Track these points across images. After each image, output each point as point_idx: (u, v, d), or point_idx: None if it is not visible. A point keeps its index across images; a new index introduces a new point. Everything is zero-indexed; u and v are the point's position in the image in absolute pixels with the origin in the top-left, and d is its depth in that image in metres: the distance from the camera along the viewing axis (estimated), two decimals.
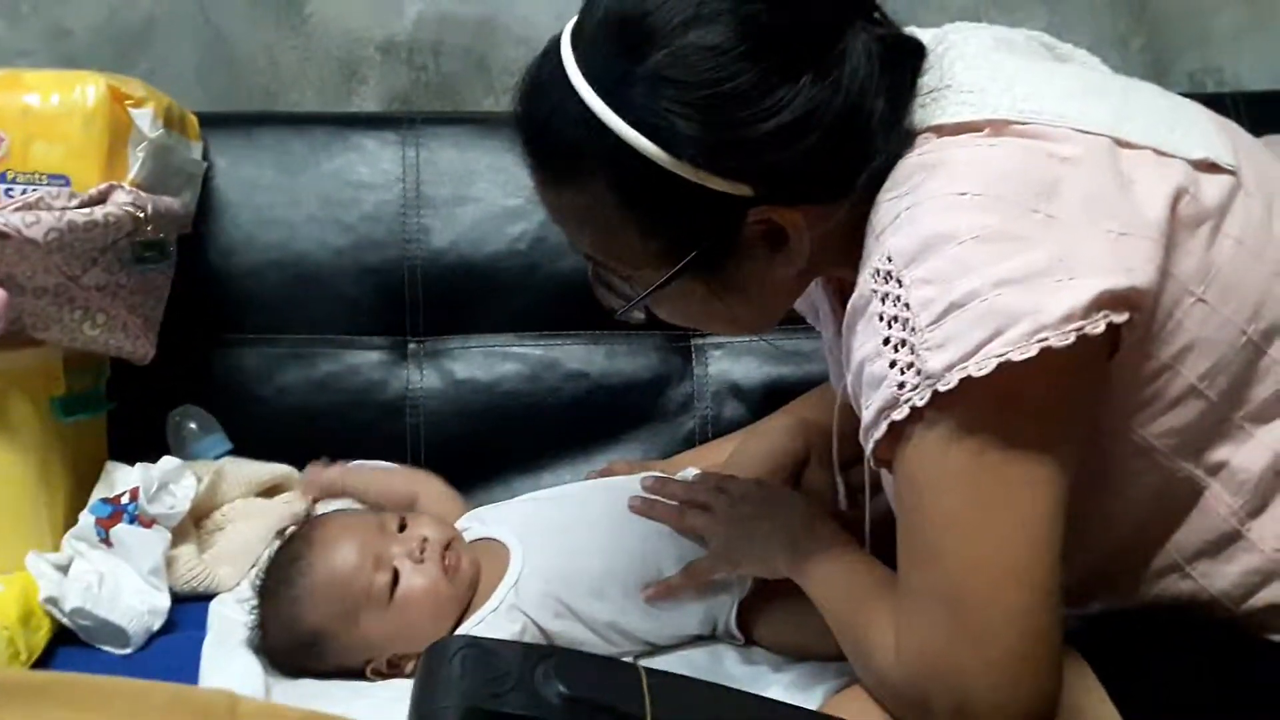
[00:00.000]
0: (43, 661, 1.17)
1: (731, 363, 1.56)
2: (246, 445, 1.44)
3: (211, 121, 1.52)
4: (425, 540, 1.18)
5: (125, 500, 1.27)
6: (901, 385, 0.81)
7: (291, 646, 1.17)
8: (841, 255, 0.89)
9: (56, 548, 1.27)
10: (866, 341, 0.84)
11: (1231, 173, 0.86)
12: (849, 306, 0.86)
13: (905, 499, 0.85)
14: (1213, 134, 0.89)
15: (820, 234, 0.88)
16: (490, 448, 1.51)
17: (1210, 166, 0.86)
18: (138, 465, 1.30)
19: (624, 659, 0.88)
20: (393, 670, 1.16)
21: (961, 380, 0.78)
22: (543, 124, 0.90)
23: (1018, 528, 0.80)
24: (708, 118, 0.82)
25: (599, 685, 0.71)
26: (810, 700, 1.06)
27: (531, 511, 1.27)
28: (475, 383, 1.53)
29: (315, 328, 1.52)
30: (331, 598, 1.15)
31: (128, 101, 1.31)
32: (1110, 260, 0.79)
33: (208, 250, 1.50)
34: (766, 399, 1.51)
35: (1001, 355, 0.77)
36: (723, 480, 1.17)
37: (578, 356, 1.54)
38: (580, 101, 0.85)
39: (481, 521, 1.26)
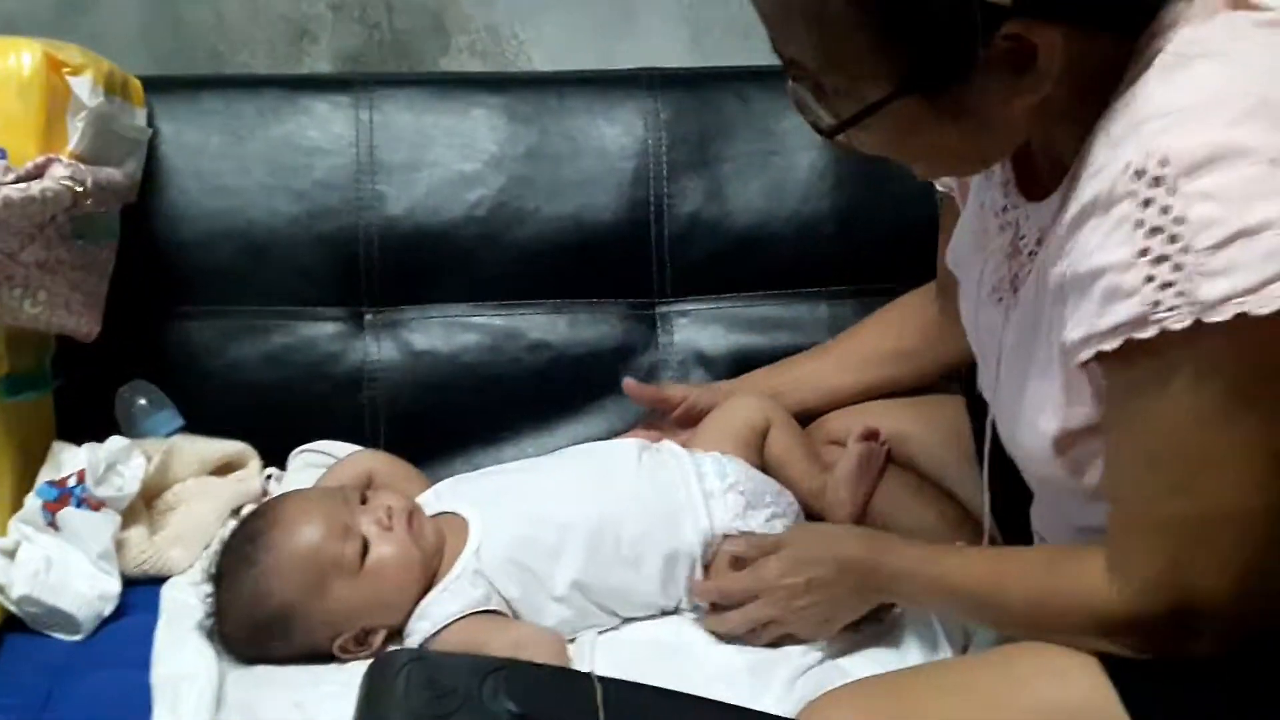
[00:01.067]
0: None
1: (697, 331, 1.53)
2: (199, 422, 1.41)
3: (156, 86, 1.47)
4: (390, 508, 1.16)
5: (72, 483, 1.23)
6: (1156, 304, 0.74)
7: (253, 629, 1.13)
8: (1079, 106, 0.81)
9: (3, 532, 1.24)
10: (1112, 247, 0.76)
11: None
12: (1079, 200, 0.79)
13: (1141, 430, 0.80)
14: None
15: (1070, 69, 0.79)
16: (451, 421, 1.48)
17: None
18: (85, 446, 1.27)
19: (578, 670, 0.85)
20: (360, 647, 1.13)
21: (1237, 315, 0.72)
22: None
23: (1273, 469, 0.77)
24: None
25: (551, 699, 0.68)
26: (772, 680, 1.06)
27: (487, 484, 1.26)
28: (434, 354, 1.50)
29: (268, 299, 1.48)
30: (299, 570, 1.12)
31: (65, 69, 1.26)
32: None
33: (154, 220, 1.45)
34: (732, 367, 1.49)
35: None
36: (760, 573, 1.12)
37: (540, 326, 1.51)
38: None
39: (437, 496, 1.24)
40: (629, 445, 1.27)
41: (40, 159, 1.20)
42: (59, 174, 1.20)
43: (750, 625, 1.13)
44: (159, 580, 1.25)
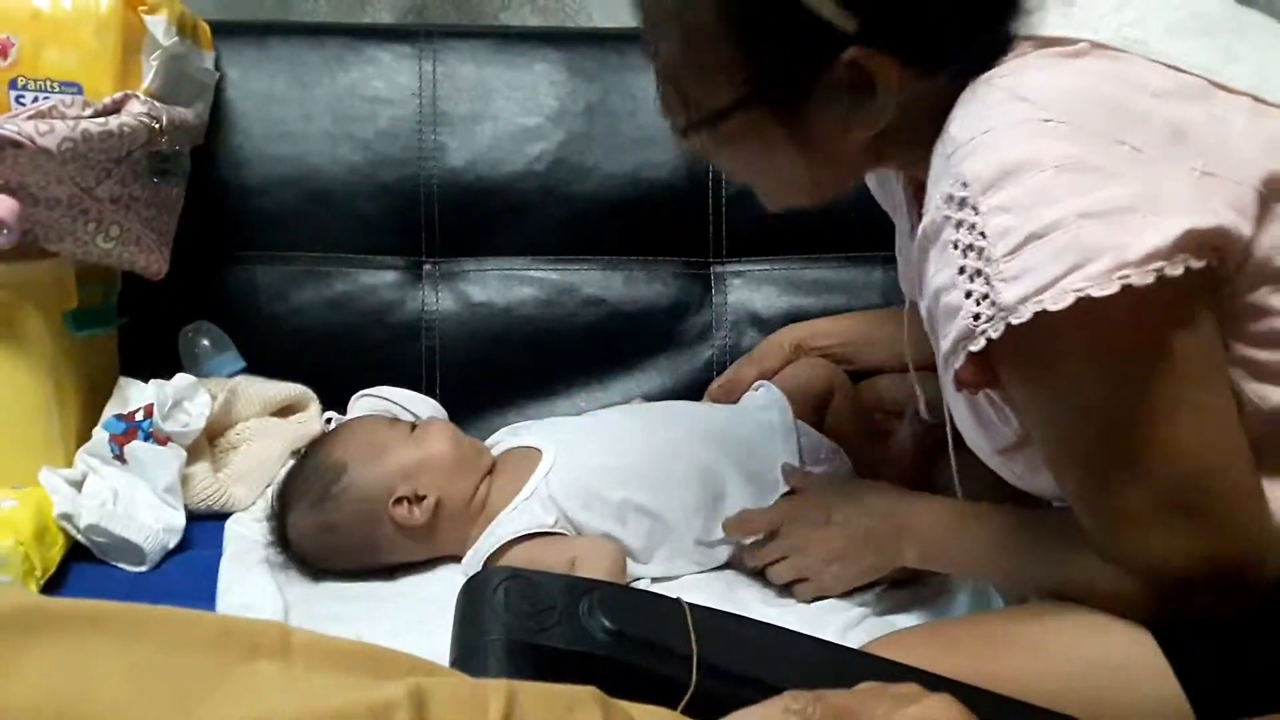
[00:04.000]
0: (56, 578, 1.16)
1: (751, 291, 1.54)
2: (260, 364, 1.42)
3: (224, 30, 1.47)
4: (440, 420, 1.30)
5: (140, 417, 1.25)
6: (976, 317, 0.79)
7: (314, 500, 1.18)
8: (919, 142, 0.85)
9: (69, 463, 1.26)
10: (941, 270, 0.82)
11: None
12: (921, 231, 0.84)
13: (1049, 432, 0.84)
14: None
15: (906, 105, 0.84)
16: (505, 372, 1.50)
17: None
18: (151, 382, 1.29)
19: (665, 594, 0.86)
20: (414, 510, 1.18)
21: (1036, 314, 0.76)
22: None
23: (1197, 417, 0.80)
24: None
25: (644, 620, 0.69)
26: (823, 631, 1.06)
27: (562, 424, 1.32)
28: (491, 306, 1.51)
29: (329, 246, 1.49)
30: (354, 434, 1.23)
31: (141, 8, 1.27)
32: (1196, 199, 0.77)
33: (219, 165, 1.47)
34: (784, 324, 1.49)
35: (1080, 290, 0.75)
36: (787, 507, 1.15)
37: (595, 282, 1.52)
38: None
39: (514, 434, 1.29)
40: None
41: (118, 94, 1.21)
42: (136, 110, 1.21)
43: (770, 557, 1.14)
44: (222, 516, 1.27)
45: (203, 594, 1.14)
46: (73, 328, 1.28)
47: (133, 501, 1.22)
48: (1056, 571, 0.91)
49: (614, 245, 1.52)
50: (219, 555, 1.20)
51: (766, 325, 1.51)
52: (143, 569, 1.19)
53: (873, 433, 1.30)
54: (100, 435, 1.25)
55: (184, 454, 1.26)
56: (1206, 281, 0.78)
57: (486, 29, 1.63)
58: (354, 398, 1.39)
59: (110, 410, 1.28)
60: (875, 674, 0.62)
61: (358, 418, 1.31)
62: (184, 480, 1.26)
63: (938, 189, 0.81)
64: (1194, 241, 0.76)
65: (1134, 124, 0.78)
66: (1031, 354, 0.80)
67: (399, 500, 1.18)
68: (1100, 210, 0.75)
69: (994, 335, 0.78)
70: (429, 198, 1.50)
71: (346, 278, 1.49)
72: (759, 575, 1.18)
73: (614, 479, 1.18)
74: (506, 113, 1.52)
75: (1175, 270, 0.75)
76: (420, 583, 1.21)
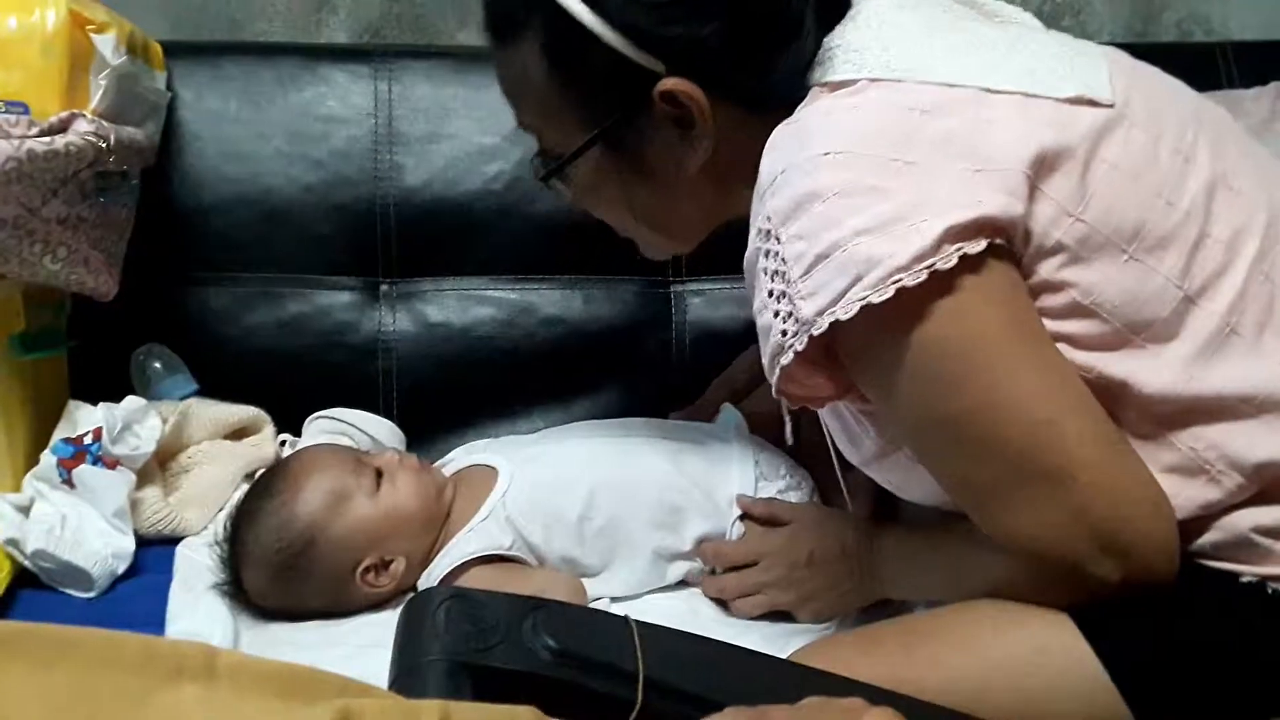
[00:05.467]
0: (3, 604, 1.13)
1: (711, 310, 1.53)
2: (213, 386, 1.40)
3: (175, 51, 1.46)
4: (399, 452, 1.24)
5: (88, 440, 1.23)
6: (784, 333, 0.88)
7: (276, 563, 1.14)
8: (749, 184, 0.92)
9: (17, 488, 1.23)
10: (756, 296, 0.91)
11: (1109, 106, 0.90)
12: (745, 262, 0.93)
13: (909, 425, 0.90)
14: (1102, 75, 0.92)
15: (729, 143, 0.95)
16: (463, 393, 1.48)
17: (1086, 102, 0.90)
18: (101, 405, 1.26)
19: (612, 611, 0.85)
20: (383, 575, 1.15)
21: (831, 324, 0.84)
22: None
23: (1026, 381, 0.85)
24: None
25: (590, 639, 0.68)
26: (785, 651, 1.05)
27: (519, 441, 1.30)
28: (449, 326, 1.49)
29: (284, 266, 1.47)
30: (319, 492, 1.15)
31: (89, 27, 1.25)
32: (961, 196, 0.84)
33: (172, 184, 1.45)
34: (746, 347, 1.48)
35: (863, 299, 0.83)
36: (764, 542, 1.16)
37: (554, 301, 1.51)
38: None
39: (468, 452, 1.27)
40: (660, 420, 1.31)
41: (64, 114, 1.20)
42: (83, 129, 1.19)
43: (743, 590, 1.14)
44: (172, 541, 1.25)
45: (152, 620, 1.12)
46: (20, 350, 1.26)
47: (81, 526, 1.19)
48: (982, 576, 0.93)
49: (573, 265, 1.52)
50: (169, 580, 1.18)
51: (726, 344, 1.50)
52: (91, 595, 1.17)
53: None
54: (48, 459, 1.23)
55: (133, 478, 1.24)
56: (1001, 260, 0.85)
57: (443, 49, 1.62)
58: (309, 420, 1.38)
59: (59, 434, 1.26)
60: (821, 689, 0.61)
61: (315, 450, 1.24)
62: (134, 505, 1.24)
63: (754, 225, 0.91)
64: (958, 234, 0.82)
65: (905, 141, 0.86)
66: (855, 357, 0.88)
67: (366, 569, 1.15)
68: (873, 225, 0.83)
69: (799, 348, 0.86)
70: (385, 218, 1.49)
71: (301, 299, 1.47)
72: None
73: (571, 497, 1.17)
74: (464, 132, 1.51)
75: (947, 263, 0.82)
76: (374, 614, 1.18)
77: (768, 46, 0.94)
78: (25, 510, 1.20)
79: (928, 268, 0.82)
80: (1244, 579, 0.87)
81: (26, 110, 1.21)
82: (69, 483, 1.22)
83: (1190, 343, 0.87)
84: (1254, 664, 0.85)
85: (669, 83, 0.93)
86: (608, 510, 1.16)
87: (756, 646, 1.06)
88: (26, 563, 1.16)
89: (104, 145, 1.21)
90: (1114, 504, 0.84)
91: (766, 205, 0.88)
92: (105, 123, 1.23)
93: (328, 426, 1.37)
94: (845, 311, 0.83)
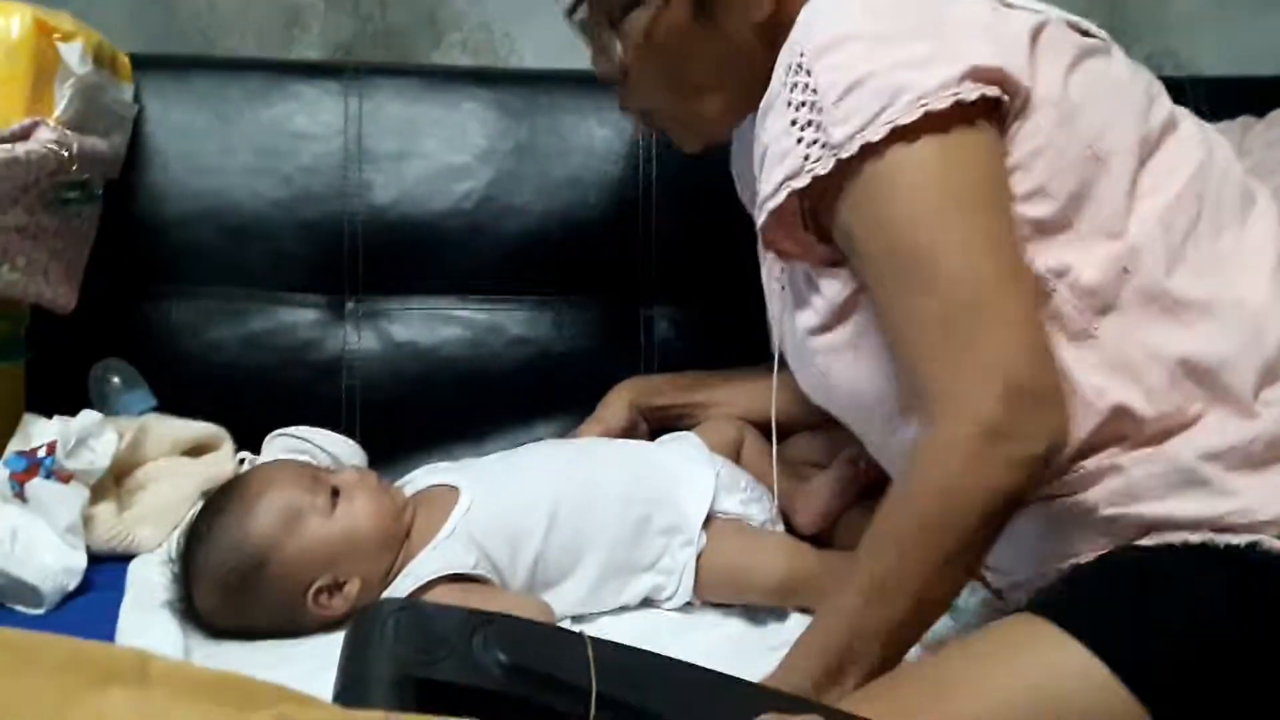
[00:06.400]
0: None
1: (679, 333, 1.52)
2: (172, 402, 1.38)
3: (144, 64, 1.45)
4: (358, 469, 1.22)
5: (42, 454, 1.21)
6: (806, 157, 0.93)
7: (227, 582, 1.11)
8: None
9: None
10: (775, 125, 0.96)
11: (1102, 40, 1.03)
12: (761, 105, 0.99)
13: (877, 253, 0.94)
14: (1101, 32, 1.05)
15: (786, 7, 1.00)
16: (429, 413, 1.47)
17: (1083, 31, 1.02)
18: (56, 418, 1.25)
19: (569, 628, 0.84)
20: (335, 597, 1.13)
21: (861, 146, 0.90)
22: None
23: (987, 234, 0.91)
24: None
25: (542, 654, 0.66)
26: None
27: (479, 463, 1.28)
28: (415, 345, 1.48)
29: (248, 282, 1.46)
30: (272, 509, 1.12)
31: (55, 35, 1.25)
32: (984, 48, 0.93)
33: (137, 197, 1.44)
34: (714, 368, 1.47)
35: (892, 121, 0.89)
36: None
37: (522, 322, 1.50)
38: None
39: (430, 472, 1.26)
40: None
41: (26, 121, 1.19)
42: (45, 137, 1.18)
43: None
44: (125, 558, 1.23)
45: (102, 638, 1.05)
46: None
47: (32, 541, 1.17)
48: (894, 535, 0.92)
49: (541, 285, 1.51)
50: (120, 598, 1.16)
51: (693, 368, 1.50)
52: (40, 611, 1.14)
53: (788, 467, 1.28)
54: (1, 472, 1.20)
55: (86, 493, 1.21)
56: (993, 126, 0.93)
57: (415, 67, 1.62)
58: (269, 437, 1.35)
59: (12, 447, 1.24)
60: (775, 706, 0.59)
61: (272, 467, 1.23)
62: (87, 520, 1.21)
63: (781, 64, 0.97)
64: (980, 75, 0.91)
65: (933, 8, 0.95)
66: (859, 187, 0.92)
67: (319, 590, 1.13)
68: (906, 60, 0.91)
69: (821, 171, 0.92)
70: (353, 234, 1.47)
71: (265, 314, 1.46)
72: (683, 610, 1.17)
73: (534, 513, 1.15)
74: (434, 151, 1.50)
75: (970, 95, 0.90)
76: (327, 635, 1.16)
77: None
78: None
79: (953, 95, 0.89)
80: (1215, 544, 0.89)
81: None
82: (21, 496, 1.19)
83: (1124, 242, 0.95)
84: (1266, 639, 0.86)
85: None
86: (571, 524, 1.15)
87: (718, 666, 1.06)
88: None
89: (66, 154, 1.20)
90: (1028, 363, 0.89)
91: (800, 43, 0.95)
92: (69, 132, 1.23)
93: (288, 444, 1.34)
94: (875, 134, 0.90)
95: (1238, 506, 0.90)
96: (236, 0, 1.63)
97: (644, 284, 1.52)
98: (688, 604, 1.18)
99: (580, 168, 1.51)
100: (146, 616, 1.12)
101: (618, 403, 1.36)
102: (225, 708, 0.50)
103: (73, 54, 1.25)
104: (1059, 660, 0.86)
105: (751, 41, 1.04)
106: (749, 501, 1.22)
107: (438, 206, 1.49)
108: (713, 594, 1.18)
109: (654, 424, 1.38)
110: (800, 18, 0.97)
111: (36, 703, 0.46)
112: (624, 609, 1.19)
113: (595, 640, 0.68)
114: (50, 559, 1.16)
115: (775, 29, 1.01)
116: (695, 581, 1.17)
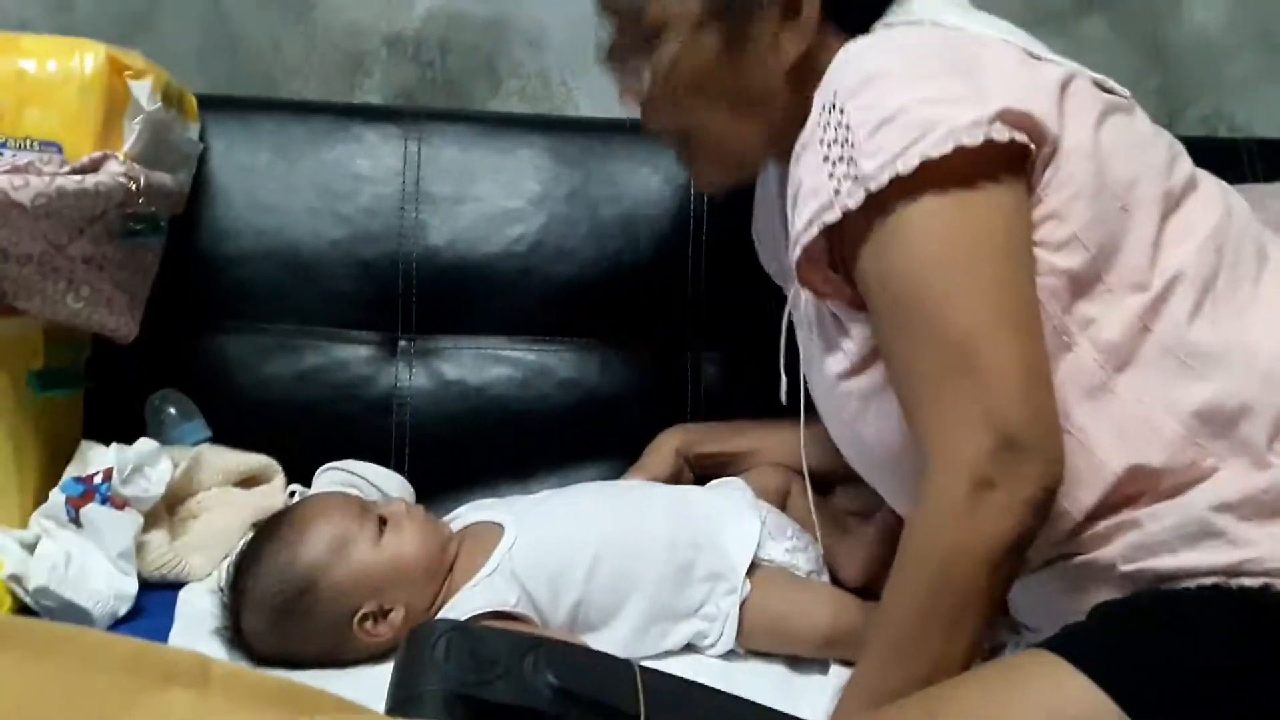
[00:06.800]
0: None
1: (726, 379, 1.53)
2: (226, 434, 1.40)
3: (210, 104, 1.49)
4: (405, 503, 1.24)
5: (98, 480, 1.23)
6: (837, 192, 0.94)
7: (276, 606, 1.13)
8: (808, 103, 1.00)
9: (25, 524, 1.23)
10: (809, 162, 0.97)
11: (1125, 98, 1.04)
12: (797, 144, 1.00)
13: (888, 303, 0.95)
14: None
15: (814, 52, 1.04)
16: (476, 452, 1.48)
17: (1108, 90, 1.03)
18: (113, 445, 1.26)
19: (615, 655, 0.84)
20: (381, 624, 1.14)
21: (891, 179, 0.91)
22: None
23: (993, 286, 0.92)
24: None
25: (592, 679, 0.67)
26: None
27: (525, 501, 1.28)
28: (464, 384, 1.49)
29: (304, 319, 1.48)
30: (322, 535, 1.14)
31: (127, 73, 1.28)
32: (1015, 91, 0.94)
33: (199, 234, 1.46)
34: (760, 416, 1.47)
35: (924, 154, 0.90)
36: None
37: (570, 364, 1.51)
38: None
39: (476, 509, 1.27)
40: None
41: (96, 154, 1.21)
42: (114, 170, 1.21)
43: None
44: (175, 586, 1.25)
45: None
46: (37, 387, 1.26)
47: (85, 566, 1.18)
48: (907, 555, 0.94)
49: (590, 329, 1.52)
50: (169, 625, 1.17)
51: (740, 414, 1.50)
52: None
53: (832, 519, 1.28)
54: (57, 497, 1.22)
55: (140, 520, 1.23)
56: (1017, 178, 0.94)
57: (473, 113, 1.65)
58: (319, 471, 1.37)
59: (70, 472, 1.25)
60: None
61: (322, 497, 1.25)
62: (140, 547, 1.23)
63: (816, 105, 0.98)
64: (1010, 118, 0.92)
65: (966, 58, 0.97)
66: (883, 227, 0.93)
67: (365, 616, 1.14)
68: (939, 97, 0.93)
69: (851, 205, 0.93)
70: (407, 274, 1.49)
71: (319, 351, 1.48)
72: (726, 657, 1.16)
73: (578, 554, 1.16)
74: (489, 195, 1.52)
75: (1001, 136, 0.91)
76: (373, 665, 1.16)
77: None
78: (30, 547, 1.20)
79: (984, 133, 0.90)
80: (1229, 585, 0.89)
81: (60, 150, 1.23)
82: (76, 521, 1.21)
83: (1147, 295, 0.96)
84: (1264, 671, 0.84)
85: None
86: (614, 567, 1.15)
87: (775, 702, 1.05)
88: (28, 599, 1.15)
89: (134, 187, 1.22)
90: (1019, 413, 0.89)
91: (834, 84, 0.97)
92: (136, 166, 1.25)
93: (338, 478, 1.36)
94: (905, 166, 0.90)
95: (1252, 555, 0.90)
96: (301, 44, 1.67)
97: (691, 330, 1.53)
98: (731, 651, 1.18)
99: (631, 215, 1.53)
100: (194, 644, 1.13)
101: (664, 449, 1.37)
102: (281, 712, 0.51)
103: (143, 91, 1.28)
104: (1067, 694, 0.85)
105: (778, 81, 1.06)
106: (795, 550, 1.22)
107: (491, 249, 1.51)
108: (756, 642, 1.18)
109: (699, 471, 1.38)
110: (835, 60, 0.99)
111: (101, 700, 0.47)
112: (667, 653, 1.18)
113: (644, 667, 0.68)
114: (102, 584, 1.18)
115: (803, 72, 1.04)
116: (739, 629, 1.17)
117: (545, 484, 1.45)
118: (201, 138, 1.47)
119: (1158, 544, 0.92)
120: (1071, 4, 1.76)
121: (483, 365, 1.50)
